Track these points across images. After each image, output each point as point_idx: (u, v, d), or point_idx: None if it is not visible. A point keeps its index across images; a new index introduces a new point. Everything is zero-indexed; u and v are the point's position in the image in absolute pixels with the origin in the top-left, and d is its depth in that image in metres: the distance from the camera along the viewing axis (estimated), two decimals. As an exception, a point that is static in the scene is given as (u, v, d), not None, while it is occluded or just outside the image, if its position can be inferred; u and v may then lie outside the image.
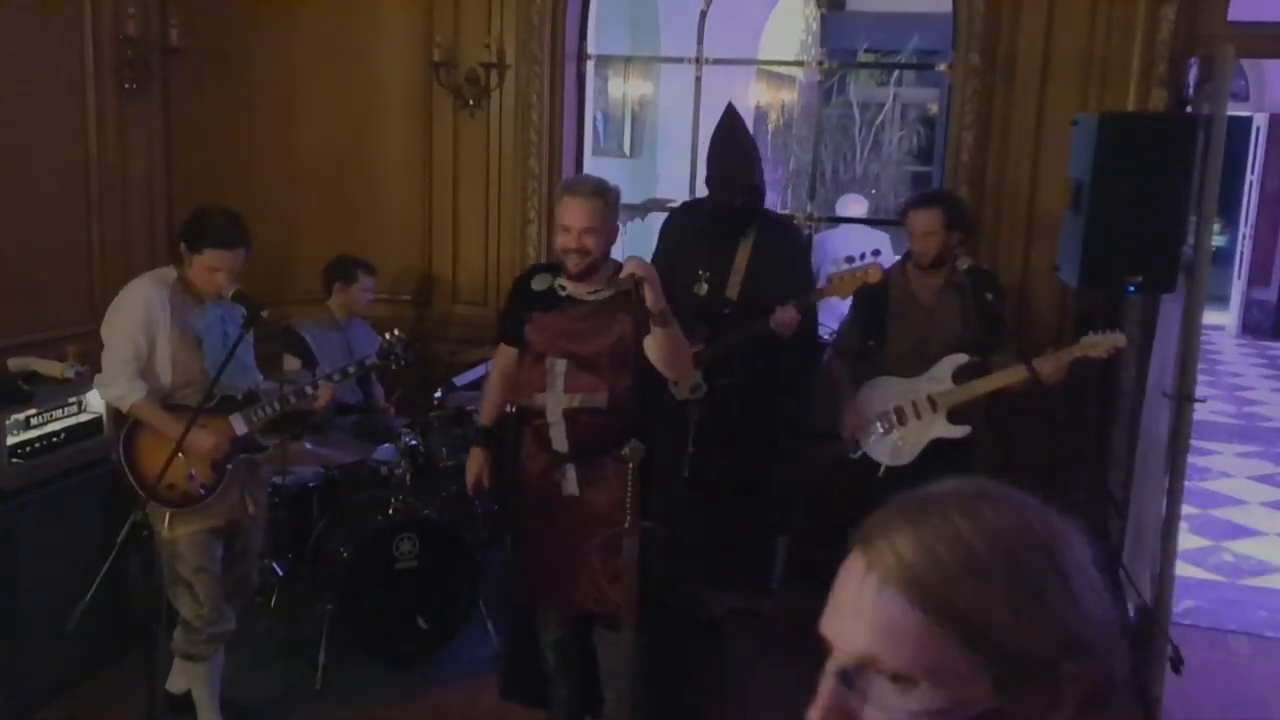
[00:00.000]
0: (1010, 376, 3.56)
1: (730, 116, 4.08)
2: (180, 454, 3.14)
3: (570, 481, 3.16)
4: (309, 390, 3.45)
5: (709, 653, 4.08)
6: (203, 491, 3.29)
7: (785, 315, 3.63)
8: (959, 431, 3.68)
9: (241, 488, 3.41)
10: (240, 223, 3.24)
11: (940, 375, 3.68)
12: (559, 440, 3.13)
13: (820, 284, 3.82)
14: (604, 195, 3.07)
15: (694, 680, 3.71)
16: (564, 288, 3.15)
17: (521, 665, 3.52)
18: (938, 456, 3.66)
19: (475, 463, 3.40)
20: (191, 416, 3.03)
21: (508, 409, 3.49)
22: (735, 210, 3.91)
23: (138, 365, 3.21)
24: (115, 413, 3.47)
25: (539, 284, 3.21)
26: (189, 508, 3.28)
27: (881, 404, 3.75)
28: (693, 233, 4.04)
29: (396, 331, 3.60)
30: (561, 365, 3.10)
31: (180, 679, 3.55)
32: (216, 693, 3.47)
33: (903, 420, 3.70)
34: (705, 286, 3.90)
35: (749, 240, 3.97)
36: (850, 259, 3.66)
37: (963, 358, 3.68)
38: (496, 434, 3.44)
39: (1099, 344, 3.50)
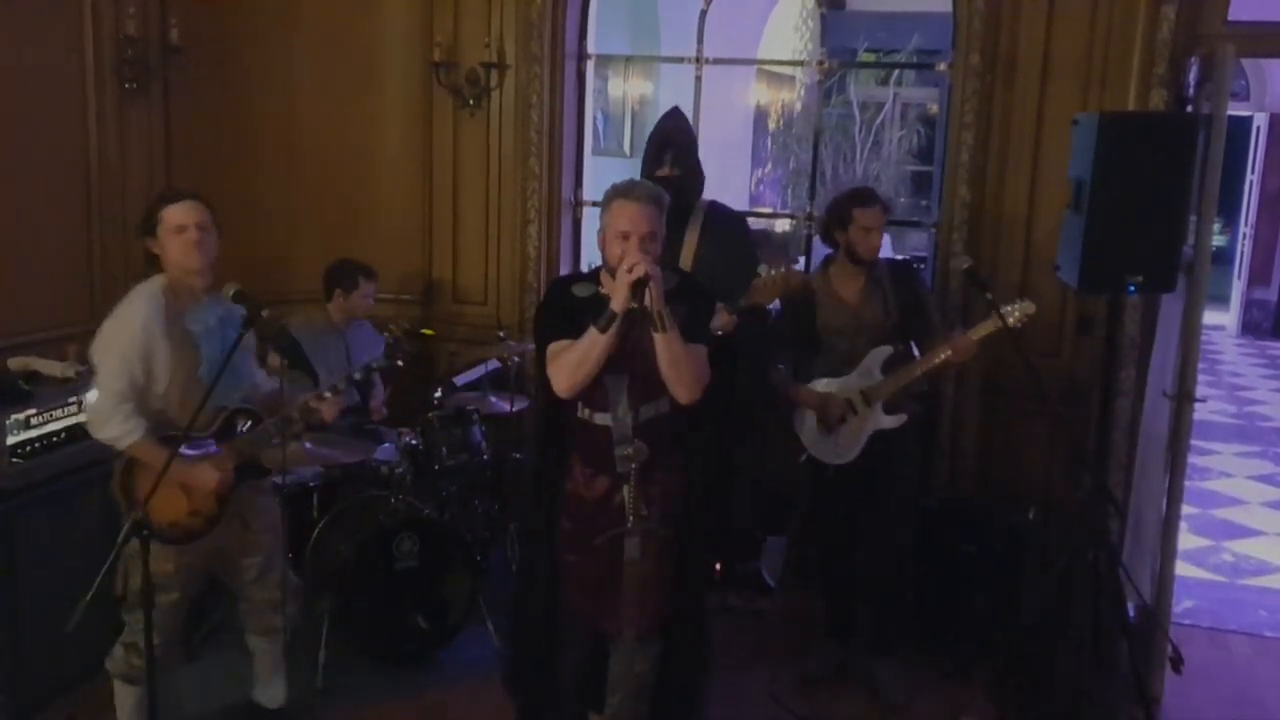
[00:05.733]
0: (932, 359, 3.71)
1: (670, 114, 4.13)
2: (184, 491, 3.10)
3: (630, 502, 2.96)
4: (312, 404, 3.29)
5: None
6: (205, 526, 3.18)
7: (720, 318, 3.52)
8: (895, 421, 3.77)
9: (238, 513, 3.29)
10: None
11: (870, 369, 3.78)
12: (623, 462, 2.88)
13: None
14: (660, 201, 2.91)
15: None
16: (607, 296, 2.92)
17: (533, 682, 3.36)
18: (880, 448, 3.78)
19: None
20: (171, 454, 2.87)
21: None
22: (668, 184, 3.68)
23: (135, 401, 3.03)
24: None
25: (581, 290, 3.00)
26: (189, 544, 3.18)
27: None
28: None
29: (409, 326, 3.46)
30: (623, 381, 2.93)
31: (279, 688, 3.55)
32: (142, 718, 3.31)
33: (841, 419, 3.78)
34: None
35: (694, 232, 3.96)
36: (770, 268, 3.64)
37: (889, 350, 3.79)
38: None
39: (1011, 314, 3.58)
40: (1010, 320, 3.57)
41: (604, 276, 2.98)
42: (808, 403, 3.82)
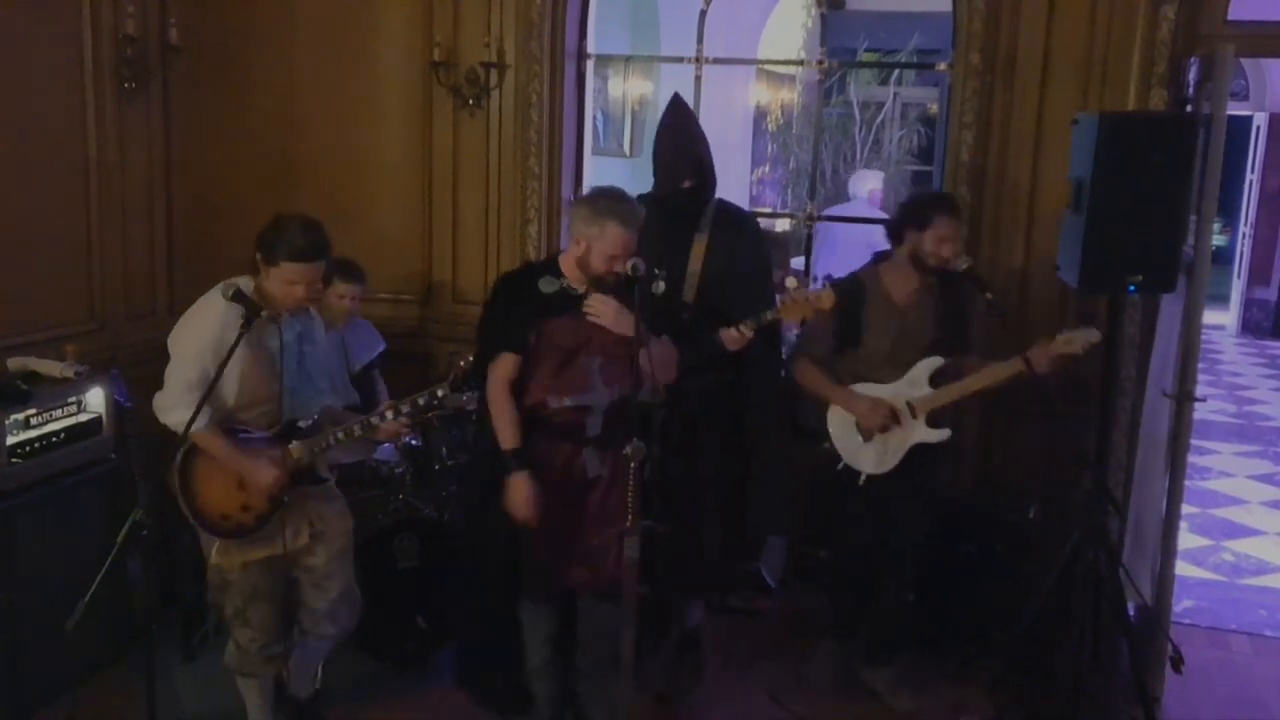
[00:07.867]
0: (988, 378, 3.58)
1: (676, 107, 3.93)
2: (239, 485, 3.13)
3: (594, 463, 3.25)
4: (375, 421, 3.21)
5: (691, 666, 4.04)
6: (255, 523, 3.18)
7: (730, 335, 3.42)
8: (939, 435, 3.64)
9: (301, 517, 3.27)
10: (320, 231, 3.09)
11: (918, 380, 3.65)
12: (594, 427, 3.23)
13: (774, 305, 3.52)
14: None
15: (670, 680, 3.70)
16: (574, 288, 3.20)
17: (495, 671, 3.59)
18: (911, 460, 3.67)
19: (521, 491, 3.16)
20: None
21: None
22: (686, 195, 3.67)
23: (202, 392, 2.99)
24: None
25: (547, 286, 3.20)
26: (240, 539, 3.20)
27: None
28: (648, 226, 3.48)
29: (471, 359, 3.33)
30: (598, 363, 3.19)
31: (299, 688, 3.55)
32: (270, 703, 3.47)
33: (884, 428, 3.65)
34: (662, 285, 3.54)
35: (703, 237, 3.73)
36: (800, 282, 3.53)
37: (939, 361, 3.65)
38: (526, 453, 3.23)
39: (1074, 340, 3.49)
40: (1070, 349, 3.48)
41: (569, 268, 3.20)
42: (852, 407, 3.67)
